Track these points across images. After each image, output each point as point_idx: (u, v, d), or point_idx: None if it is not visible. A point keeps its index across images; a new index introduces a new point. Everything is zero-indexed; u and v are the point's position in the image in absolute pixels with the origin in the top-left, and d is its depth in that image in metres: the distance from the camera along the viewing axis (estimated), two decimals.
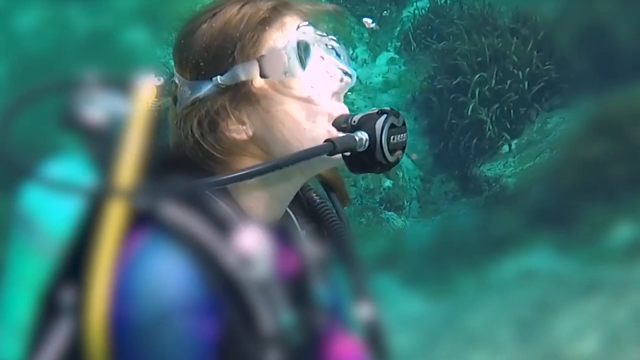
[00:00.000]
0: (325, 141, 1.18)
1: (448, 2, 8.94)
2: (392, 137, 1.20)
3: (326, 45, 1.24)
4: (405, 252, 6.96)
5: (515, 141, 7.17)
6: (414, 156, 7.66)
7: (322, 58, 1.23)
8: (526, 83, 7.24)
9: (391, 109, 1.22)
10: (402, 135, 1.22)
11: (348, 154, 1.20)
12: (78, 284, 1.07)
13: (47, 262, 1.10)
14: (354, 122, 1.21)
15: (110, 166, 1.09)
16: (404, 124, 1.23)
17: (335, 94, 1.23)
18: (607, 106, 6.40)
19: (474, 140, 7.16)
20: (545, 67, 7.31)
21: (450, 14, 8.57)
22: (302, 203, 1.33)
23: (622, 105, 6.30)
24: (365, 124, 1.20)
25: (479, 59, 7.50)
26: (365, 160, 1.20)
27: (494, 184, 6.91)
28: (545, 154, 6.74)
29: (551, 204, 6.10)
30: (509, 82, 7.26)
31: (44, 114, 1.13)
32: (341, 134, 1.20)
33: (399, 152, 1.22)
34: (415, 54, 8.64)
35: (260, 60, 1.17)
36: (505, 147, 7.13)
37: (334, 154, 1.18)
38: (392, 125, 1.20)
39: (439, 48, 8.06)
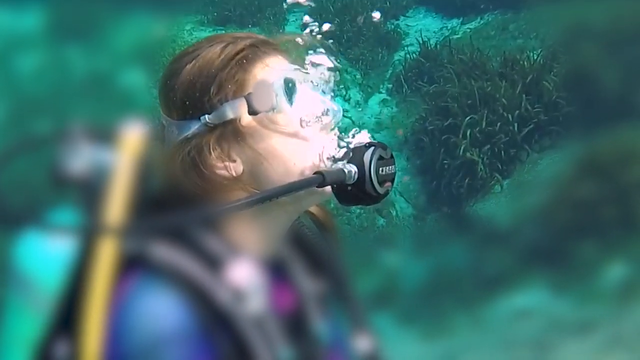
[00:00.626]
0: (315, 173, 1.18)
1: (438, 46, 9.11)
2: (380, 168, 1.20)
3: (312, 82, 1.24)
4: (399, 290, 6.96)
5: (507, 181, 7.25)
6: (406, 178, 7.70)
7: (309, 94, 1.22)
8: (516, 125, 7.35)
9: (378, 141, 1.23)
10: (390, 167, 1.22)
11: (338, 186, 1.20)
12: (71, 335, 1.06)
13: (41, 318, 1.10)
14: (342, 155, 1.22)
15: (98, 212, 1.09)
16: (392, 156, 1.23)
17: (323, 129, 1.23)
18: (595, 148, 6.50)
19: (466, 180, 7.24)
20: (534, 110, 7.44)
21: (440, 58, 8.72)
22: (296, 239, 1.32)
23: (609, 147, 6.41)
24: (354, 156, 1.20)
25: (469, 101, 7.61)
26: (355, 193, 1.20)
27: (487, 223, 6.96)
28: (536, 194, 6.81)
29: (544, 243, 6.16)
30: (499, 124, 7.37)
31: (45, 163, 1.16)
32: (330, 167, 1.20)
33: (388, 184, 1.22)
34: (406, 96, 8.77)
35: (247, 97, 1.17)
36: (497, 187, 7.21)
37: (323, 186, 1.17)
38: (380, 157, 1.21)
39: (430, 90, 8.19)
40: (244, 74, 1.19)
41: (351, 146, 1.22)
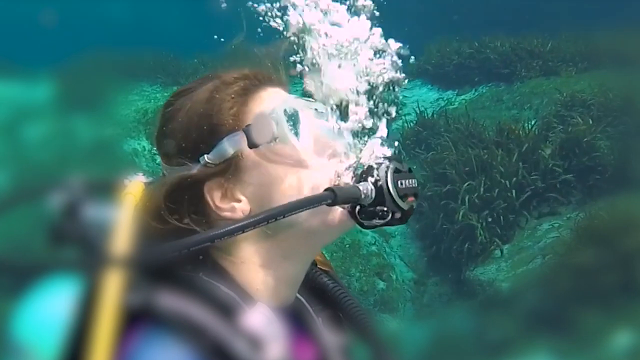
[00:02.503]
0: (325, 190, 1.05)
1: (435, 116, 9.16)
2: (399, 181, 1.08)
3: (316, 110, 1.14)
4: (400, 355, 6.74)
5: (507, 246, 7.14)
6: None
7: (313, 121, 1.12)
8: (514, 192, 7.30)
9: (392, 155, 1.11)
10: (411, 180, 1.10)
11: (354, 207, 1.07)
12: None
13: None
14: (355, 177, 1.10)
15: (99, 272, 0.98)
16: (410, 170, 1.11)
17: (332, 157, 1.12)
18: (593, 215, 6.44)
19: (466, 245, 7.12)
20: (532, 177, 7.40)
21: (437, 127, 8.76)
22: (314, 289, 1.21)
23: (607, 214, 6.35)
24: (367, 174, 1.08)
25: (467, 168, 7.58)
26: (376, 212, 1.07)
27: (487, 288, 6.81)
28: (537, 260, 6.69)
29: (547, 309, 6.00)
30: (497, 190, 7.32)
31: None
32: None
33: (411, 199, 1.09)
34: (405, 163, 8.75)
35: (247, 130, 1.07)
36: (497, 252, 7.09)
37: (334, 204, 1.05)
38: (397, 170, 1.09)
39: (428, 158, 8.18)
40: (241, 107, 1.09)
41: (362, 164, 1.10)
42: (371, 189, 1.07)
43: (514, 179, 7.36)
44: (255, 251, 1.09)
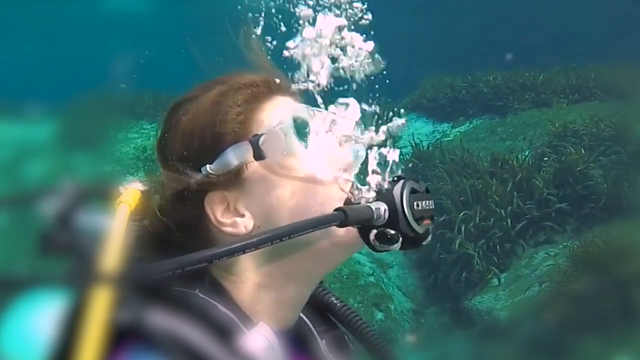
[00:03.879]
0: (335, 210, 0.96)
1: (430, 148, 9.18)
2: (415, 203, 0.98)
3: (326, 120, 1.04)
4: None
5: (504, 275, 7.07)
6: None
7: (323, 132, 1.03)
8: (509, 220, 7.27)
9: (408, 174, 1.02)
10: (428, 202, 1.00)
11: (366, 229, 0.97)
12: None
13: None
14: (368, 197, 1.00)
15: (89, 267, 0.90)
16: (427, 190, 1.01)
17: (344, 171, 1.02)
18: (589, 243, 6.40)
19: (463, 274, 7.06)
20: (527, 206, 7.38)
21: (432, 159, 8.76)
22: (319, 308, 1.11)
23: (602, 242, 6.31)
24: (381, 194, 0.99)
25: (462, 198, 7.56)
26: (388, 234, 0.97)
27: (486, 317, 6.72)
28: (534, 288, 6.62)
29: (546, 337, 5.91)
30: (492, 219, 7.28)
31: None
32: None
33: (427, 222, 0.99)
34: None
35: (252, 140, 0.98)
36: (495, 281, 7.02)
37: (345, 225, 0.95)
38: (413, 191, 0.99)
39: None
40: (247, 115, 1.00)
41: (377, 182, 1.00)
42: (384, 210, 0.98)
43: (509, 208, 7.33)
44: (257, 270, 1.01)
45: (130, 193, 1.00)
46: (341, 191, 1.01)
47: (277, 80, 1.05)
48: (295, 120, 1.01)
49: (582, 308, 5.79)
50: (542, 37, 11.77)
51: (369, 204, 0.98)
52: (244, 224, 1.00)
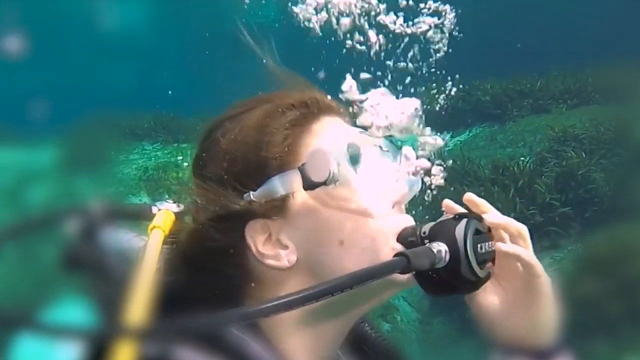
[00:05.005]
0: (396, 255, 0.89)
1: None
2: (478, 245, 0.91)
3: (381, 147, 0.98)
4: None
5: None
6: None
7: (378, 161, 0.97)
8: None
9: (470, 211, 0.95)
10: (489, 243, 0.93)
11: (422, 272, 0.89)
12: None
13: None
14: (424, 233, 0.93)
15: (117, 307, 0.84)
16: (489, 229, 0.94)
17: (397, 203, 0.97)
18: (593, 246, 6.39)
19: None
20: (530, 212, 7.37)
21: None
22: (353, 339, 1.04)
23: (607, 245, 6.30)
24: (441, 232, 0.91)
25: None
26: (447, 279, 0.90)
27: None
28: None
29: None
30: None
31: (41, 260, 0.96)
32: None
33: (489, 264, 0.92)
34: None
35: (302, 168, 0.91)
36: None
37: (407, 272, 0.87)
38: (477, 231, 0.92)
39: (426, 199, 8.14)
40: (296, 140, 0.93)
41: (433, 222, 0.92)
42: (445, 252, 0.90)
43: (512, 214, 7.28)
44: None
45: (164, 216, 0.94)
46: (395, 226, 0.94)
47: (328, 100, 0.99)
48: (348, 144, 0.94)
49: (589, 311, 5.77)
50: (539, 42, 11.82)
51: (430, 247, 0.90)
52: (288, 256, 0.92)
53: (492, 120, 10.00)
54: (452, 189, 7.81)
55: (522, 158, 8.39)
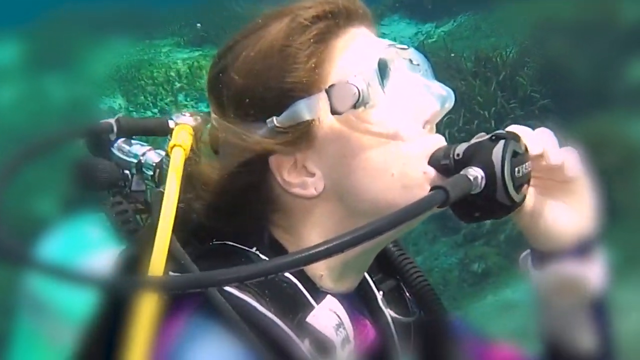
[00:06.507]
0: (433, 188, 0.82)
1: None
2: (516, 168, 0.86)
3: (410, 61, 0.93)
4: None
5: None
6: None
7: (410, 78, 0.92)
8: (493, 122, 7.30)
9: (507, 131, 0.88)
10: (526, 165, 0.88)
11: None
12: None
13: (57, 352, 0.85)
14: (458, 155, 0.88)
15: (136, 235, 0.84)
16: (526, 149, 0.89)
17: (427, 122, 0.92)
18: (568, 138, 6.46)
19: None
20: (510, 106, 7.40)
21: None
22: (377, 256, 1.00)
23: (583, 137, 6.37)
24: (477, 155, 0.86)
25: None
26: (481, 204, 0.86)
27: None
28: None
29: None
30: (476, 122, 7.31)
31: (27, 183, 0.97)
32: (444, 177, 0.87)
33: (526, 187, 0.88)
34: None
35: (330, 91, 0.86)
36: None
37: (446, 206, 0.83)
38: (515, 153, 0.87)
39: None
40: (321, 57, 0.88)
41: (468, 142, 0.87)
42: (482, 177, 0.85)
43: (493, 108, 7.35)
44: (323, 233, 0.90)
45: (182, 131, 0.91)
46: (427, 148, 0.90)
47: (354, 5, 0.92)
48: (380, 61, 0.89)
49: None
50: None
51: (466, 174, 0.85)
52: (315, 184, 0.89)
53: (478, 7, 9.79)
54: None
55: (505, 49, 8.30)
